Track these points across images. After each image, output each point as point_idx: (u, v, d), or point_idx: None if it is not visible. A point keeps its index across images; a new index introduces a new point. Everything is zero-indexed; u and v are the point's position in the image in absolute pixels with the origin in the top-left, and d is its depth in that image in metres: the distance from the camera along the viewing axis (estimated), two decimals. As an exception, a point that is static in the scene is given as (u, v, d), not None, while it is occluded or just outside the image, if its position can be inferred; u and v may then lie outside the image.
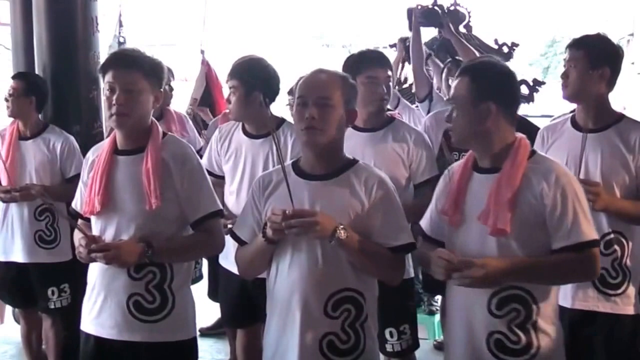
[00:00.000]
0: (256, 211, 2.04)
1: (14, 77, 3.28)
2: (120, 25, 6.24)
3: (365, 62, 2.77)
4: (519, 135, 1.94)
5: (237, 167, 2.84)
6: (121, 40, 5.76)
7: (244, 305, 2.88)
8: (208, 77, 4.96)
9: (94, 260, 2.06)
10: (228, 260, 2.74)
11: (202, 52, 5.01)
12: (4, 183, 3.17)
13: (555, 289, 1.92)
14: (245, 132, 2.90)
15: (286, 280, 1.96)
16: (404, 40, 4.72)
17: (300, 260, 1.94)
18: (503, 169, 1.87)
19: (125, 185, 2.13)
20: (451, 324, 2.00)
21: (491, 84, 1.90)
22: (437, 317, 4.88)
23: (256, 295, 2.78)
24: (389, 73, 2.80)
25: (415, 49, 4.28)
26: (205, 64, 4.95)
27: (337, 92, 1.96)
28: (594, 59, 2.35)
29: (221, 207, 2.26)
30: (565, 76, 2.41)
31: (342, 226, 1.87)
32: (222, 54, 4.57)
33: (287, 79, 3.23)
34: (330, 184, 1.97)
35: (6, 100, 3.23)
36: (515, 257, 1.84)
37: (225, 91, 4.20)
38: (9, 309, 4.40)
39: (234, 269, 2.77)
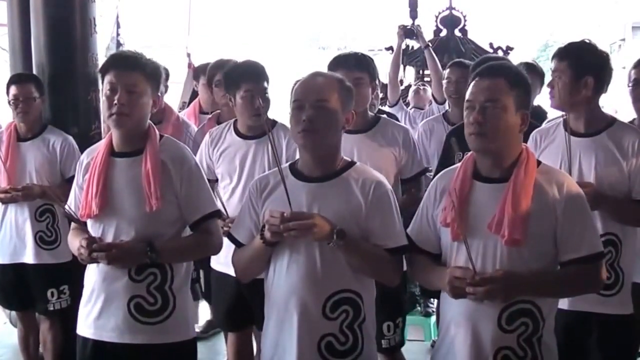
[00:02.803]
0: (254, 213, 2.05)
1: (22, 80, 3.25)
2: (118, 26, 6.24)
3: (340, 63, 2.73)
4: (524, 145, 1.94)
5: (231, 168, 2.84)
6: (120, 41, 5.76)
7: (237, 308, 2.88)
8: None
9: (95, 260, 2.06)
10: (221, 262, 2.75)
11: (189, 55, 5.04)
12: (4, 184, 3.17)
13: (557, 305, 1.92)
14: (238, 133, 2.90)
15: (284, 282, 1.96)
16: (403, 27, 4.81)
17: (298, 262, 1.94)
18: (516, 178, 1.84)
19: (123, 187, 2.13)
20: (451, 336, 1.92)
21: (527, 92, 1.91)
22: (433, 318, 4.90)
23: (250, 297, 2.80)
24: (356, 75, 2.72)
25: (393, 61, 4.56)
26: (192, 67, 4.96)
27: (334, 94, 1.98)
28: (578, 69, 2.37)
29: (219, 207, 2.27)
30: (551, 86, 2.45)
31: (339, 228, 1.88)
32: (217, 57, 4.60)
33: (282, 81, 3.24)
34: (328, 186, 1.98)
35: (18, 103, 3.19)
36: (528, 269, 1.81)
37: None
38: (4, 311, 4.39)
39: (228, 271, 2.77)
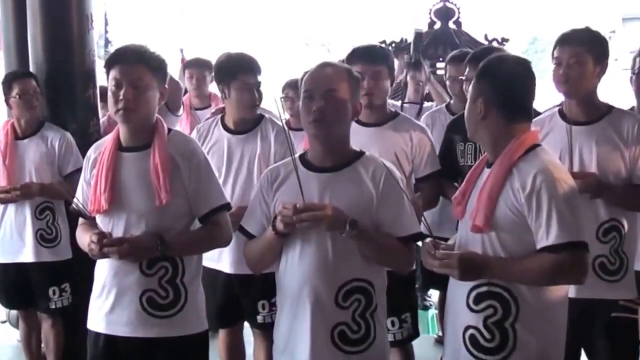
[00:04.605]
0: (264, 205, 2.06)
1: (24, 76, 3.23)
2: (106, 24, 6.22)
3: (359, 56, 2.75)
4: (531, 131, 1.92)
5: (220, 163, 2.82)
6: (109, 38, 5.73)
7: (228, 304, 2.87)
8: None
9: (106, 255, 2.05)
10: (210, 258, 2.73)
11: (181, 50, 5.03)
12: (4, 183, 3.14)
13: (552, 293, 1.85)
14: (226, 128, 2.89)
15: (296, 272, 1.97)
16: (409, 59, 4.67)
17: (310, 252, 1.95)
18: (493, 165, 1.88)
19: (132, 182, 2.12)
20: (445, 316, 2.03)
21: (484, 82, 1.90)
22: (431, 312, 4.93)
23: (241, 293, 2.82)
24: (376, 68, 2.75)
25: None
26: (184, 62, 4.95)
27: (343, 84, 1.99)
28: (597, 54, 2.37)
29: (228, 200, 2.26)
30: (567, 73, 2.37)
31: (352, 218, 1.89)
32: (203, 52, 4.60)
33: (271, 77, 3.24)
34: (339, 176, 1.99)
35: (27, 97, 3.17)
36: (497, 255, 1.84)
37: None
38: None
39: (217, 267, 2.79)
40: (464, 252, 1.85)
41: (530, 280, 1.82)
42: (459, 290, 1.89)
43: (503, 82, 1.88)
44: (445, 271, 1.82)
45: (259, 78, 2.84)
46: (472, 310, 1.86)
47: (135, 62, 2.09)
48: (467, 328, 1.87)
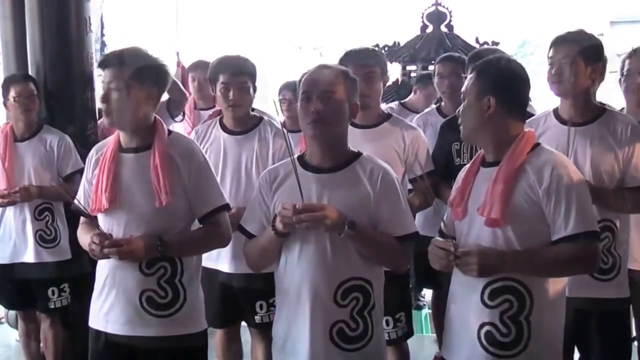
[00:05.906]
0: (264, 205, 2.09)
1: (22, 79, 3.26)
2: (102, 27, 6.23)
3: (352, 58, 2.77)
4: (527, 129, 1.97)
5: (217, 164, 2.84)
6: (105, 42, 5.74)
7: (226, 304, 2.90)
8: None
9: (107, 256, 2.08)
10: (209, 258, 2.76)
11: (177, 53, 5.06)
12: (3, 186, 3.16)
13: (558, 285, 1.90)
14: (225, 129, 2.91)
15: (296, 272, 2.01)
16: None
17: (309, 252, 1.98)
18: (501, 162, 1.91)
19: (132, 182, 2.15)
20: (449, 314, 2.03)
21: (490, 79, 1.93)
22: (424, 311, 4.96)
23: (239, 293, 2.84)
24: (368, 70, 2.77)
25: None
26: (180, 66, 4.98)
27: (340, 86, 2.02)
28: (589, 55, 2.42)
29: (227, 201, 2.29)
30: (559, 73, 2.43)
31: (350, 219, 1.92)
32: (198, 56, 4.62)
33: (263, 81, 3.26)
34: (337, 177, 2.02)
35: (22, 100, 3.19)
36: (512, 247, 1.86)
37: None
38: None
39: (216, 267, 2.81)
40: (480, 248, 1.86)
41: (544, 271, 1.86)
42: (471, 287, 1.90)
43: (511, 80, 1.94)
44: (464, 269, 1.84)
45: (243, 78, 2.83)
46: (487, 306, 1.87)
47: (119, 66, 2.09)
48: (482, 325, 1.88)
